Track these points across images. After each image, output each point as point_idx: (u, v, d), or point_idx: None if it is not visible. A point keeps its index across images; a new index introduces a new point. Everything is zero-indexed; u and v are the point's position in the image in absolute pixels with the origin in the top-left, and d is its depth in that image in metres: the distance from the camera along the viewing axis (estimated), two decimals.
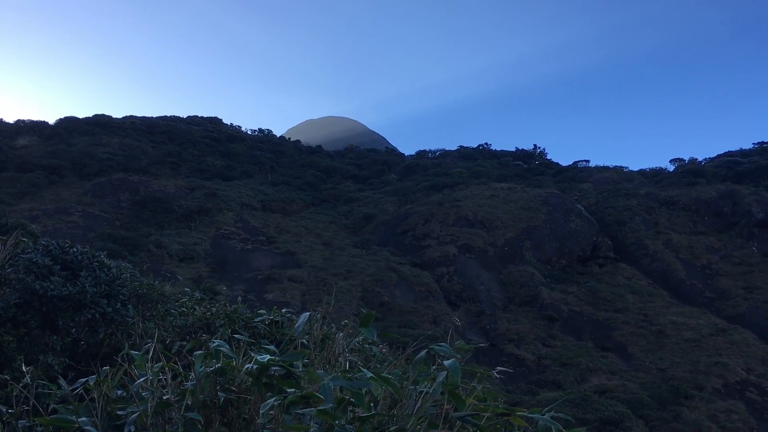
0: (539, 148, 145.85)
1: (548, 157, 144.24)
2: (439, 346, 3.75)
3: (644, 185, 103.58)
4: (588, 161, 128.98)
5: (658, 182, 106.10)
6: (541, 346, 54.71)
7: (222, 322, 8.84)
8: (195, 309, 9.90)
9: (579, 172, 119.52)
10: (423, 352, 3.62)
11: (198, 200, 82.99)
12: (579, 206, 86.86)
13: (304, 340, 8.51)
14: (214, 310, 9.41)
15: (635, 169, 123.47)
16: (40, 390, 4.28)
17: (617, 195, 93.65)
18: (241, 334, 4.53)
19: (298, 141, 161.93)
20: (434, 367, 4.09)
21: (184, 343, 8.15)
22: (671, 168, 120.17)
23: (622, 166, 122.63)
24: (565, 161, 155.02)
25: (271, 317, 9.33)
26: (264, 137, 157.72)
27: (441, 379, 3.37)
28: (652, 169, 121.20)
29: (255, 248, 71.12)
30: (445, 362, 3.39)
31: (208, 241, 70.87)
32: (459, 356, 3.65)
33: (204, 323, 8.92)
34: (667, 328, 57.55)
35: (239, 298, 11.70)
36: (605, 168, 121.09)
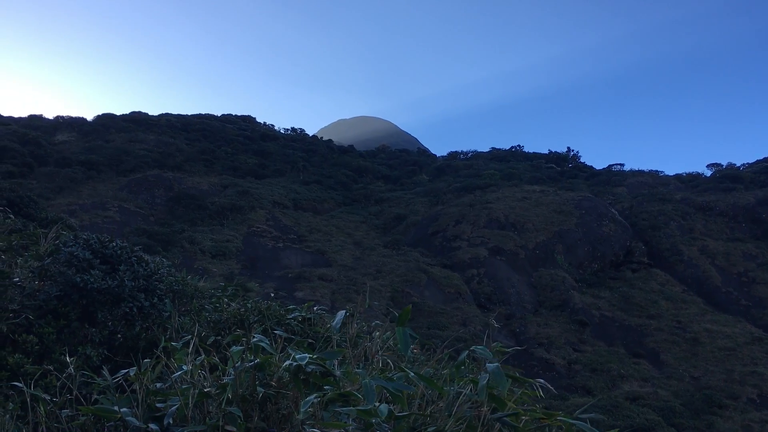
0: (573, 150, 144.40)
1: (582, 160, 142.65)
2: (479, 348, 3.74)
3: (680, 190, 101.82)
4: (622, 165, 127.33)
5: (695, 187, 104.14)
6: (572, 351, 54.10)
7: (256, 318, 8.93)
8: (229, 305, 10.03)
9: (613, 175, 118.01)
10: (463, 354, 3.60)
11: (231, 198, 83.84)
12: (612, 210, 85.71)
13: (338, 338, 8.55)
14: (248, 306, 9.51)
15: (671, 173, 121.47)
16: (81, 380, 4.36)
17: (652, 199, 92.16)
18: (278, 331, 4.56)
19: (330, 140, 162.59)
20: (464, 367, 4.08)
21: (219, 338, 8.27)
22: (708, 173, 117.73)
23: (657, 171, 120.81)
24: (599, 165, 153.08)
25: (303, 314, 9.39)
26: (296, 136, 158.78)
27: (485, 382, 3.36)
28: (688, 174, 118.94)
29: (286, 246, 71.58)
30: (488, 365, 3.38)
31: (240, 238, 71.52)
32: (498, 359, 3.63)
33: (238, 319, 9.02)
34: (702, 335, 56.47)
35: (272, 295, 11.78)
36: (640, 172, 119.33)
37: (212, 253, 64.57)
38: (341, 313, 3.78)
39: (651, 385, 46.93)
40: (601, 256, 76.81)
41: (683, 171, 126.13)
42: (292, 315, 9.34)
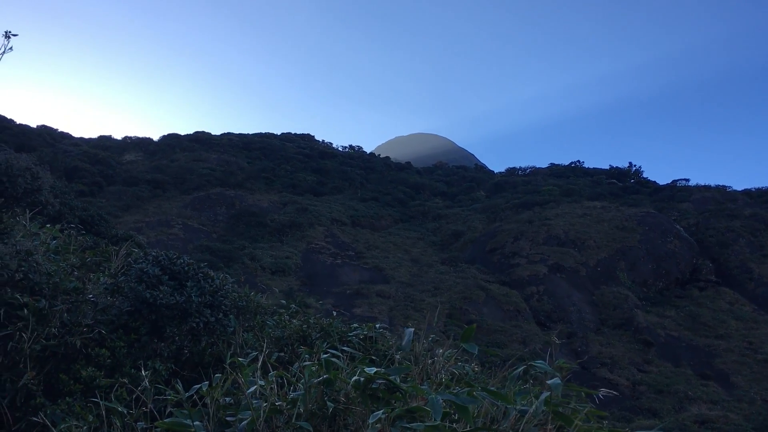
0: (635, 166, 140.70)
1: (644, 175, 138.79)
2: (539, 363, 3.70)
3: (749, 206, 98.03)
4: (687, 180, 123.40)
5: (765, 203, 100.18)
6: (636, 372, 52.53)
7: (318, 335, 9.03)
8: (291, 321, 10.16)
9: (678, 191, 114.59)
10: (520, 368, 3.57)
11: (290, 215, 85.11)
12: (678, 227, 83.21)
13: (398, 355, 8.56)
14: (310, 322, 9.62)
15: (739, 188, 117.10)
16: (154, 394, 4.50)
17: (719, 215, 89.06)
18: (346, 347, 4.62)
19: (387, 157, 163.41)
20: (536, 387, 4.03)
21: (282, 354, 8.39)
22: None
23: (725, 186, 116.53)
24: (662, 180, 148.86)
25: (365, 332, 9.45)
26: (354, 154, 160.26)
27: (544, 396, 3.33)
28: (757, 189, 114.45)
29: (344, 263, 72.07)
30: (549, 381, 3.35)
31: (299, 254, 72.41)
32: (559, 375, 3.59)
33: (301, 335, 9.13)
34: None
35: (334, 312, 11.87)
36: (706, 187, 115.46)
37: (272, 269, 65.55)
38: (410, 332, 3.79)
39: (720, 408, 45.09)
40: (666, 273, 74.58)
41: (752, 186, 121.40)
42: (354, 332, 9.42)
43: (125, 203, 79.92)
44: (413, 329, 3.86)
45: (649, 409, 45.20)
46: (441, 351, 4.91)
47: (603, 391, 4.32)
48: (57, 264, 7.63)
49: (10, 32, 6.39)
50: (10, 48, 6.46)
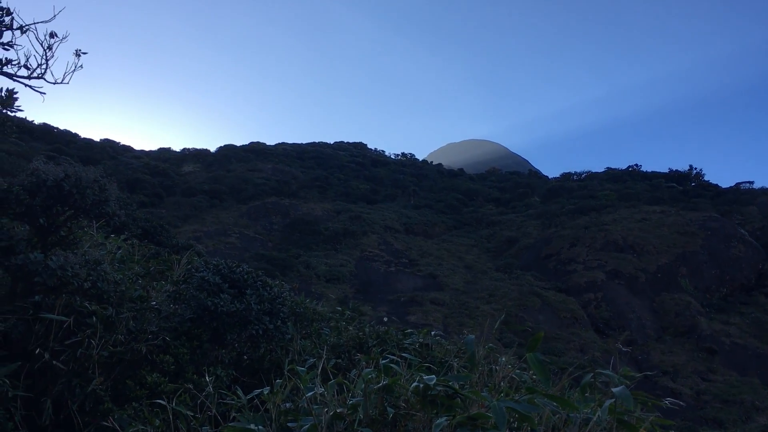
0: (695, 168, 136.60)
1: (706, 178, 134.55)
2: (605, 371, 3.65)
3: None
4: (752, 183, 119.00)
5: None
6: (700, 381, 50.89)
7: (374, 342, 9.09)
8: (347, 328, 10.25)
9: (741, 194, 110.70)
10: (589, 376, 3.53)
11: (343, 223, 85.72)
12: (742, 231, 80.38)
13: (455, 362, 8.53)
14: (366, 330, 9.69)
15: None
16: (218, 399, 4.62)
17: None
18: (406, 354, 4.64)
19: (439, 164, 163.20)
20: (598, 395, 3.98)
21: (339, 360, 8.47)
22: None
23: None
24: (725, 183, 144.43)
25: (421, 339, 9.46)
26: (407, 161, 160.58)
27: (608, 404, 3.28)
28: None
29: (398, 270, 72.13)
30: (614, 389, 3.30)
31: (353, 262, 72.80)
32: (628, 383, 3.53)
33: (357, 342, 9.21)
34: None
35: (386, 320, 11.90)
36: None
37: (327, 277, 66.09)
38: (471, 339, 3.79)
39: None
40: (730, 279, 72.11)
41: None
42: (410, 339, 9.44)
43: (184, 213, 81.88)
44: (473, 336, 3.86)
45: (714, 419, 43.73)
46: (504, 359, 4.88)
47: (668, 401, 4.23)
48: (122, 273, 7.90)
49: (80, 50, 6.64)
50: (81, 66, 6.72)
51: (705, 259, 73.17)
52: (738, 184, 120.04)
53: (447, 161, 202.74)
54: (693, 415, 44.78)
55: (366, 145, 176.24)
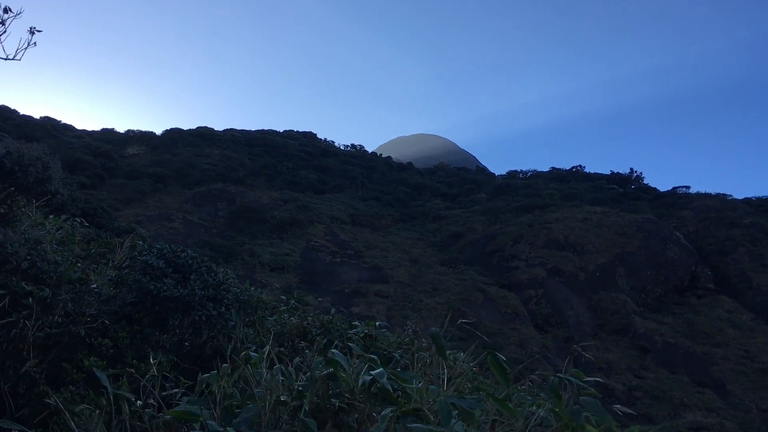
0: (636, 172, 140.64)
1: (645, 181, 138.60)
2: (561, 375, 3.70)
3: (749, 215, 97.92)
4: (688, 187, 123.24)
5: (765, 212, 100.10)
6: (632, 377, 52.59)
7: (318, 331, 9.08)
8: (291, 317, 10.21)
9: (678, 198, 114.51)
10: (553, 378, 3.57)
11: (290, 212, 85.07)
12: (677, 234, 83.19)
13: (397, 354, 8.60)
14: (309, 319, 9.67)
15: (739, 197, 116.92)
16: (151, 383, 4.55)
17: (719, 224, 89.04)
18: (351, 344, 4.66)
19: (389, 157, 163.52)
20: (537, 390, 4.08)
21: (282, 349, 8.43)
22: None
23: (725, 194, 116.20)
24: (663, 186, 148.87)
25: (365, 330, 9.49)
26: (356, 153, 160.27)
27: (582, 414, 3.32)
28: (758, 198, 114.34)
29: (343, 261, 72.07)
30: (584, 399, 3.36)
31: (299, 252, 72.40)
32: (585, 386, 3.60)
33: (300, 331, 9.18)
34: None
35: (332, 310, 11.91)
36: (707, 195, 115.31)
37: (271, 266, 65.55)
38: (436, 330, 3.82)
39: (716, 416, 45.15)
40: (665, 280, 74.61)
41: (753, 195, 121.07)
42: (354, 330, 9.46)
43: (126, 196, 79.90)
44: (437, 329, 3.89)
45: (645, 414, 45.23)
46: (461, 355, 4.95)
47: (615, 407, 4.33)
48: (62, 254, 7.68)
49: (34, 28, 6.42)
50: (34, 43, 6.49)
51: (642, 259, 75.47)
52: (675, 188, 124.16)
53: (396, 154, 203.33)
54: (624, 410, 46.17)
55: (316, 134, 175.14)
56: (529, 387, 7.07)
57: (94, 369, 6.09)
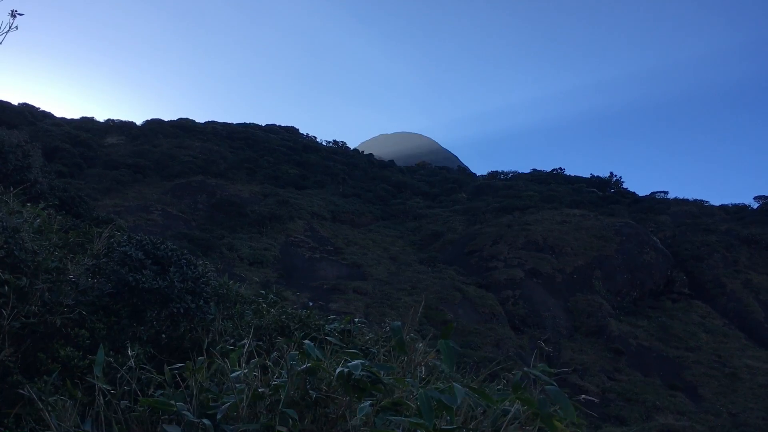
0: (615, 176, 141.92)
1: (624, 186, 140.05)
2: (532, 370, 3.76)
3: (725, 221, 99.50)
4: (666, 193, 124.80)
5: (740, 219, 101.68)
6: (606, 379, 53.18)
7: (296, 326, 9.09)
8: (269, 311, 10.21)
9: (656, 203, 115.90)
10: (519, 374, 3.63)
11: (270, 207, 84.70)
12: (654, 238, 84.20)
13: (374, 350, 8.64)
14: (288, 312, 9.68)
15: (716, 203, 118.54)
16: (132, 375, 4.53)
17: (696, 229, 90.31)
18: (330, 338, 4.69)
19: (370, 154, 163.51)
20: (501, 387, 4.12)
21: (261, 343, 8.43)
22: (755, 205, 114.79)
23: (702, 200, 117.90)
24: (642, 191, 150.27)
25: (343, 326, 9.53)
26: (338, 149, 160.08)
27: (546, 404, 3.38)
28: (734, 205, 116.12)
29: (322, 257, 72.00)
30: (548, 388, 3.42)
31: (278, 247, 72.16)
32: (549, 380, 3.66)
33: (279, 326, 9.18)
34: (742, 371, 55.01)
35: (310, 304, 11.92)
36: (684, 201, 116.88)
37: (250, 260, 65.27)
38: (398, 324, 3.86)
39: (687, 419, 45.83)
40: (641, 284, 75.49)
41: (729, 202, 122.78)
42: (332, 325, 9.50)
43: (105, 186, 79.03)
44: (399, 323, 3.93)
45: (617, 416, 45.78)
46: (420, 346, 4.99)
47: (583, 398, 4.42)
48: (39, 243, 7.61)
49: (16, 11, 6.34)
50: (16, 27, 6.41)
51: (619, 263, 76.27)
52: (653, 193, 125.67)
53: (378, 152, 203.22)
54: (597, 411, 46.74)
55: (298, 129, 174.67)
56: (504, 385, 7.14)
57: (82, 359, 6.05)
